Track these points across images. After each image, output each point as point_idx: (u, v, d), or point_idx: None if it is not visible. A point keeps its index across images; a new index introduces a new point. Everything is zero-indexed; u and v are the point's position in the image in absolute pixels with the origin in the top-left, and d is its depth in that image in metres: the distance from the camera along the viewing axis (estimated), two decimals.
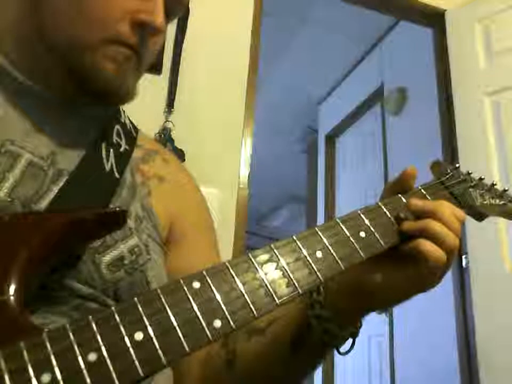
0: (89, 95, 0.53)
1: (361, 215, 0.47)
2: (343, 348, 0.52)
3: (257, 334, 0.55)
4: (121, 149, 0.57)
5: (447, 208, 0.49)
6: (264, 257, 0.40)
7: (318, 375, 3.34)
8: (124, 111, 0.65)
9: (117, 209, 0.45)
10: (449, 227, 0.48)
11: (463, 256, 1.96)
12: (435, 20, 2.35)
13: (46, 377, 0.29)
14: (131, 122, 0.65)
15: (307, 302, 0.51)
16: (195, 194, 0.69)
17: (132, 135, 0.62)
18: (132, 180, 0.56)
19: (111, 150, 0.55)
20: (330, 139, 3.86)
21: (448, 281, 2.07)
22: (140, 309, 0.33)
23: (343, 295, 0.49)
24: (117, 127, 0.60)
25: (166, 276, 0.56)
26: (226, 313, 0.35)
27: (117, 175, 0.53)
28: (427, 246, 0.46)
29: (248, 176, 1.77)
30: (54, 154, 0.50)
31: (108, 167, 0.53)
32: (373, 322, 2.91)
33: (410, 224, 0.48)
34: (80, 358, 0.30)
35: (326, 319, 0.49)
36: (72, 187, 0.48)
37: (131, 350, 0.31)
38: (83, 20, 0.49)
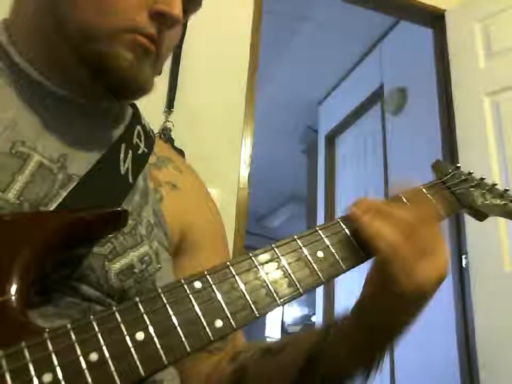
0: (106, 87, 0.52)
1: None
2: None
3: (269, 355, 0.53)
4: (140, 151, 0.57)
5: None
6: (265, 257, 0.40)
7: None
8: (142, 115, 0.65)
9: (118, 209, 0.44)
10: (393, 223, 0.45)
11: (463, 256, 1.96)
12: (435, 20, 2.35)
13: (47, 377, 0.29)
14: (148, 125, 0.65)
15: (319, 339, 0.49)
16: (208, 204, 0.68)
17: (150, 137, 0.62)
18: (144, 185, 0.55)
19: (130, 151, 0.55)
20: (330, 139, 3.86)
21: (448, 281, 2.07)
22: (141, 308, 0.33)
23: (355, 334, 0.47)
24: (138, 128, 0.60)
25: None
26: (228, 313, 0.35)
27: (131, 179, 0.52)
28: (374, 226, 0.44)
29: (248, 176, 1.77)
30: (65, 156, 0.49)
31: (123, 170, 0.52)
32: None
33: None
34: (81, 358, 0.30)
35: (339, 362, 0.48)
36: (84, 188, 0.48)
37: (132, 350, 0.31)
38: (101, 10, 0.49)
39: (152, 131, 0.65)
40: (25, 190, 0.45)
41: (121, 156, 0.53)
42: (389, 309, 0.46)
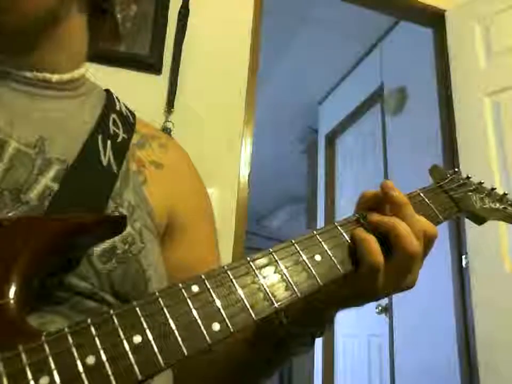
0: None
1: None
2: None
3: None
4: (119, 139, 0.56)
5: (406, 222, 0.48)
6: (263, 261, 0.40)
7: (317, 374, 3.34)
8: (118, 99, 0.64)
9: (118, 215, 0.44)
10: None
11: (463, 256, 1.96)
12: (435, 20, 2.35)
13: (44, 380, 0.29)
14: (127, 108, 0.64)
15: None
16: (194, 182, 0.67)
17: (129, 122, 0.61)
18: (125, 168, 0.54)
19: (108, 141, 0.54)
20: (330, 139, 3.86)
21: (448, 281, 2.07)
22: (139, 312, 0.33)
23: (303, 303, 0.50)
24: (113, 116, 0.58)
25: (162, 264, 0.55)
26: (225, 316, 0.35)
27: (115, 169, 0.52)
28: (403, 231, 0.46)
29: (248, 176, 1.77)
30: (42, 140, 0.49)
31: (105, 162, 0.52)
32: (373, 322, 2.91)
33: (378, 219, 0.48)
34: (78, 362, 0.30)
35: (288, 323, 0.51)
36: (70, 182, 0.47)
37: (129, 353, 0.31)
38: None
39: (131, 113, 0.64)
40: (5, 177, 0.44)
41: (100, 147, 0.53)
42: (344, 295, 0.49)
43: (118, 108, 0.61)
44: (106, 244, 0.47)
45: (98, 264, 0.46)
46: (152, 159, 0.59)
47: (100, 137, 0.54)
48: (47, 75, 0.54)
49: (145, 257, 0.50)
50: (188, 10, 1.78)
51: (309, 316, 0.51)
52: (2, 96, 0.51)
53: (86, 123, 0.55)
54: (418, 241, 0.46)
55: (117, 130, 0.57)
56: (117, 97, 0.64)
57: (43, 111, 0.53)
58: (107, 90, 0.64)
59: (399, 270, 0.47)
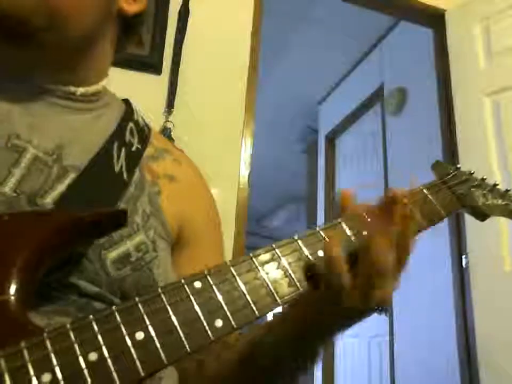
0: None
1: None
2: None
3: (226, 349, 0.54)
4: (133, 148, 0.57)
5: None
6: (266, 257, 0.40)
7: (318, 375, 3.34)
8: (137, 109, 0.65)
9: (117, 209, 0.44)
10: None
11: (463, 256, 1.96)
12: (435, 20, 2.35)
13: (46, 377, 0.29)
14: (144, 120, 0.65)
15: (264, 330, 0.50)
16: (206, 196, 0.68)
17: (144, 133, 0.62)
18: (140, 176, 0.55)
19: (123, 149, 0.55)
20: (330, 139, 3.86)
21: (448, 281, 2.07)
22: (141, 308, 0.33)
23: (290, 336, 0.47)
24: (131, 125, 0.60)
25: (173, 273, 0.56)
26: (228, 313, 0.35)
27: (125, 177, 0.53)
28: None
29: (248, 176, 1.76)
30: (59, 148, 0.50)
31: (117, 168, 0.52)
32: (373, 322, 2.91)
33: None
34: (80, 358, 0.30)
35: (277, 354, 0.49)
36: (80, 186, 0.48)
37: (132, 349, 0.31)
38: None
39: (147, 125, 0.65)
40: (22, 182, 0.45)
41: (114, 154, 0.53)
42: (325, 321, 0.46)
43: (135, 117, 0.62)
44: (120, 250, 0.47)
45: (112, 270, 0.46)
46: (166, 172, 0.60)
47: (115, 143, 0.55)
48: (72, 88, 0.55)
49: (157, 266, 0.51)
50: (188, 10, 1.78)
51: (297, 350, 0.47)
52: (25, 103, 0.51)
53: (103, 133, 0.56)
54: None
55: (132, 140, 0.58)
56: (135, 108, 0.64)
57: (63, 120, 0.53)
58: (126, 100, 0.65)
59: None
